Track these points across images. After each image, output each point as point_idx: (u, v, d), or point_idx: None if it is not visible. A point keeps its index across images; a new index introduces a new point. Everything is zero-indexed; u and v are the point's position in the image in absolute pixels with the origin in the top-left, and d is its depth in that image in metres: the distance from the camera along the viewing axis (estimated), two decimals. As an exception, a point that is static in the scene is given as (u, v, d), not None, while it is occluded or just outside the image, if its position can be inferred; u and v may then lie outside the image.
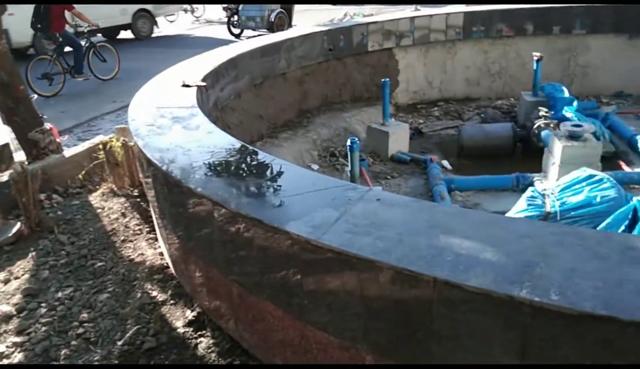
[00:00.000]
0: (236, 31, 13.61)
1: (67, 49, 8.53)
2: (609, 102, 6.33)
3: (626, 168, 4.67)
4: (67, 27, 8.50)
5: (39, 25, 8.18)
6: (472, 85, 6.99)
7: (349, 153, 3.72)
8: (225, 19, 13.82)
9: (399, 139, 5.41)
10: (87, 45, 8.83)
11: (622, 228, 3.32)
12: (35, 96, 6.46)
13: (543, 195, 3.82)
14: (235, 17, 13.41)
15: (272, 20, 12.64)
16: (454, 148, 5.65)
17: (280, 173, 2.09)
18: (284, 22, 13.09)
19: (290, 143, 5.27)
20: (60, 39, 8.31)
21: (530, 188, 3.95)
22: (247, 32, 13.12)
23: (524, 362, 1.31)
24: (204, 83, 3.72)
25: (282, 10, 12.88)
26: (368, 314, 1.57)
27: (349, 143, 3.69)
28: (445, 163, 5.27)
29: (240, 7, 13.14)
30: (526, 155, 5.33)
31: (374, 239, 1.54)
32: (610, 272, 1.31)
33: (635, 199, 3.35)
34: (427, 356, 1.48)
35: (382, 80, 5.14)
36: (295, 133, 5.50)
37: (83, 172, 4.05)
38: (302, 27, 6.56)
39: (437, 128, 6.15)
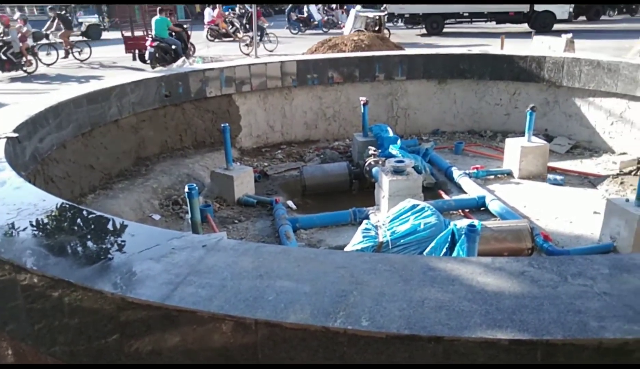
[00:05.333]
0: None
1: None
2: (428, 139, 7.18)
3: (445, 197, 5.29)
4: None
5: None
6: (311, 128, 7.37)
7: (187, 200, 3.61)
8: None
9: (244, 182, 5.42)
10: None
11: (444, 250, 3.73)
12: None
13: (376, 227, 4.12)
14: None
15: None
16: (297, 188, 5.84)
17: (95, 227, 1.92)
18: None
19: (127, 194, 4.95)
20: None
21: (365, 221, 4.24)
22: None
23: (346, 391, 1.35)
24: (15, 135, 3.33)
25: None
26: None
27: (187, 189, 3.57)
28: (291, 203, 5.41)
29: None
30: (362, 190, 5.72)
31: (196, 288, 1.49)
32: (414, 293, 1.44)
33: (452, 224, 3.78)
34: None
35: (222, 125, 5.15)
36: (132, 183, 5.19)
37: None
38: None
39: (281, 170, 6.32)
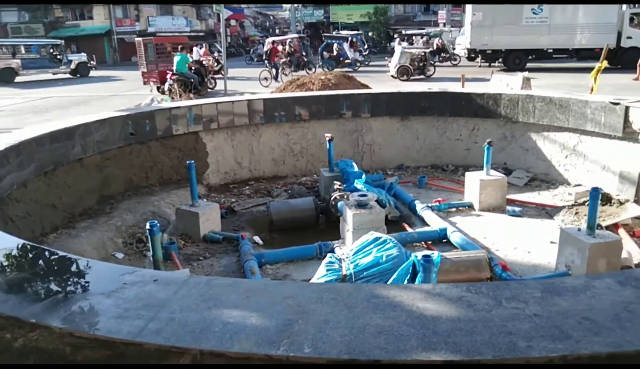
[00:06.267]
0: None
1: None
2: (393, 174, 7.35)
3: (408, 229, 5.40)
4: None
5: None
6: (279, 164, 7.47)
7: (149, 237, 3.60)
8: None
9: (210, 219, 5.42)
10: None
11: (406, 281, 3.80)
12: None
13: (340, 260, 4.18)
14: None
15: None
16: (265, 223, 5.87)
17: (47, 264, 1.93)
18: None
19: (90, 233, 4.89)
20: None
21: (329, 255, 4.29)
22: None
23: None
24: (-28, 173, 3.30)
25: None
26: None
27: (148, 226, 3.57)
28: (257, 238, 5.43)
29: None
30: (329, 224, 5.79)
31: (145, 321, 1.51)
32: (357, 320, 1.50)
33: (413, 255, 3.87)
34: None
35: (188, 162, 5.18)
36: (96, 222, 5.13)
37: None
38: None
39: (249, 206, 6.35)
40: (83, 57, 31.23)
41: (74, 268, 1.90)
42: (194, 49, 21.57)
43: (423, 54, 21.04)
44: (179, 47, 17.64)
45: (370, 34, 49.95)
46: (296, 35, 29.27)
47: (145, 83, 18.48)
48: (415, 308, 1.53)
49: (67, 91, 21.15)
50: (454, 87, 8.98)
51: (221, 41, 19.65)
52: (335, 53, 25.35)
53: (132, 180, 5.96)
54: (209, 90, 17.56)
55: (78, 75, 29.47)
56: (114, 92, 20.09)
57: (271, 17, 63.57)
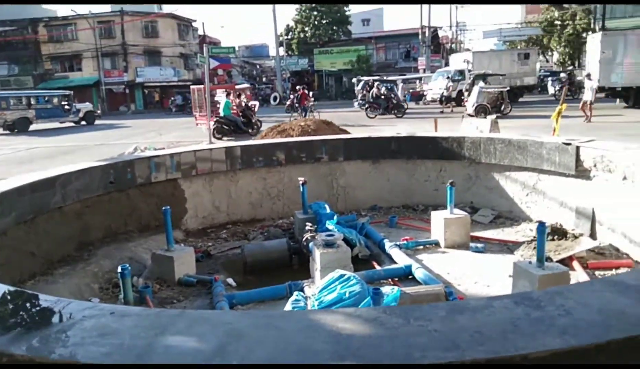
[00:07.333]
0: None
1: None
2: (367, 214, 7.63)
3: (377, 267, 5.62)
4: None
5: None
6: (257, 207, 7.72)
7: (120, 280, 3.79)
8: None
9: (185, 263, 5.61)
10: None
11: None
12: None
13: (306, 297, 4.39)
14: None
15: None
16: (239, 266, 6.06)
17: (14, 302, 2.14)
18: None
19: (68, 279, 5.05)
20: None
21: (295, 293, 4.50)
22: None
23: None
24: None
25: None
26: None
27: (119, 269, 3.77)
28: (230, 280, 5.61)
29: None
30: (302, 264, 5.99)
31: (98, 347, 1.72)
32: (283, 340, 1.73)
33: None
34: None
35: (163, 208, 5.42)
36: (74, 268, 5.30)
37: None
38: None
39: (225, 250, 6.55)
40: (89, 106, 33.84)
41: (38, 304, 2.12)
42: (241, 94, 24.13)
43: (500, 92, 21.63)
44: (225, 93, 20.53)
45: (353, 81, 51.52)
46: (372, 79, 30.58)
47: (197, 125, 22.05)
48: (335, 328, 1.76)
49: (83, 138, 23.61)
50: (422, 132, 9.42)
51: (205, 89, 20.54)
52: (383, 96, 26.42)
53: (111, 227, 6.16)
54: (257, 128, 19.90)
55: (84, 123, 31.22)
56: (122, 138, 21.44)
57: (258, 66, 65.29)
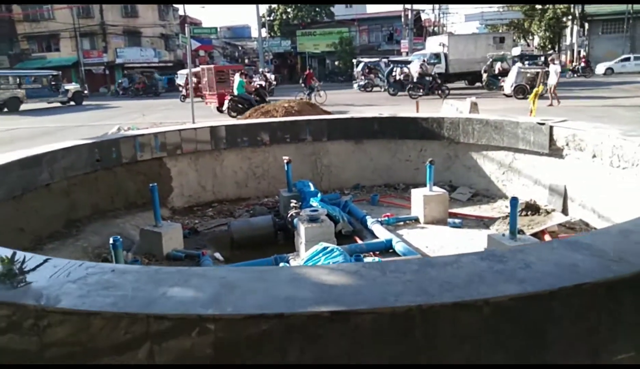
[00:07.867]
0: None
1: None
2: (350, 193, 7.84)
3: (359, 241, 5.85)
4: None
5: None
6: (242, 186, 7.87)
7: (112, 251, 3.94)
8: None
9: (172, 238, 5.76)
10: None
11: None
12: None
13: (291, 269, 4.59)
14: None
15: None
16: (226, 242, 6.23)
17: (21, 262, 2.29)
18: None
19: (57, 254, 5.15)
20: None
21: (281, 264, 4.70)
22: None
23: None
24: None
25: None
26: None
27: (111, 241, 3.91)
28: (218, 255, 5.78)
29: None
30: (287, 240, 6.18)
31: (103, 297, 1.89)
32: (272, 290, 1.92)
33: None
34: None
35: (150, 185, 5.54)
36: (63, 244, 5.41)
37: None
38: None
39: (211, 226, 6.71)
40: (77, 86, 33.37)
41: (46, 264, 2.27)
42: (254, 75, 25.75)
43: (537, 73, 21.52)
44: (238, 72, 20.88)
45: (336, 63, 51.37)
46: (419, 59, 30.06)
47: (206, 104, 22.52)
48: (319, 280, 1.96)
49: (73, 118, 23.47)
50: (404, 113, 9.62)
51: (188, 70, 20.42)
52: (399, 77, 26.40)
53: (98, 204, 6.26)
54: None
55: (72, 103, 30.88)
56: (113, 119, 21.15)
57: (240, 48, 64.62)
